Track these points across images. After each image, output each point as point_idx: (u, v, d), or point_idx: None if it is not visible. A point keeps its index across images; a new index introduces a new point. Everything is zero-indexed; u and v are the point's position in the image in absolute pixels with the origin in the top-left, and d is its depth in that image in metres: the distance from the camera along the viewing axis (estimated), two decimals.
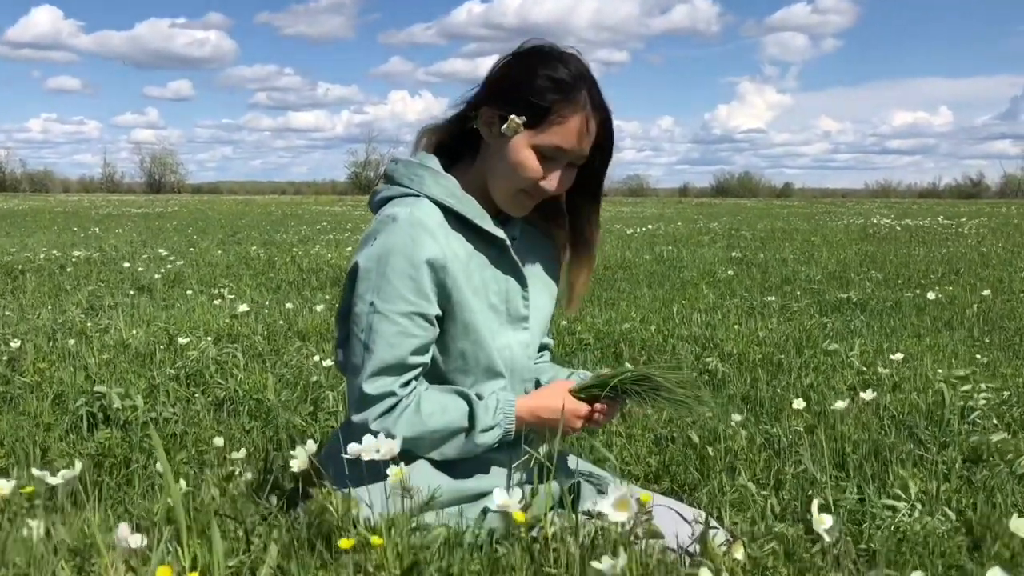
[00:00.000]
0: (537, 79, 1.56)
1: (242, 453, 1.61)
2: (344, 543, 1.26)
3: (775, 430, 2.88)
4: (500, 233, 1.65)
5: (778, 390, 3.56)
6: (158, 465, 2.06)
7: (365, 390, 1.55)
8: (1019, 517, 1.54)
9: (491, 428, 1.59)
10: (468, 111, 1.66)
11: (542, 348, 1.91)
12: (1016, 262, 9.49)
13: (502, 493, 1.33)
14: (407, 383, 1.57)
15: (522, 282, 1.71)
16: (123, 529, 1.13)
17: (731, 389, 3.61)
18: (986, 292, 6.39)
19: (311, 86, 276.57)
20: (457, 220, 1.63)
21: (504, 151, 1.59)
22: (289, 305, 5.60)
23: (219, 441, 2.03)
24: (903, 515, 2.13)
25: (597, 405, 1.66)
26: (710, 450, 2.56)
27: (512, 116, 1.56)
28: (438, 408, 1.58)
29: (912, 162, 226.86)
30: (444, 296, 1.59)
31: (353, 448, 1.45)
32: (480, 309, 1.63)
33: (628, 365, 1.65)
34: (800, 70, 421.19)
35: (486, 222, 1.64)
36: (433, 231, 1.57)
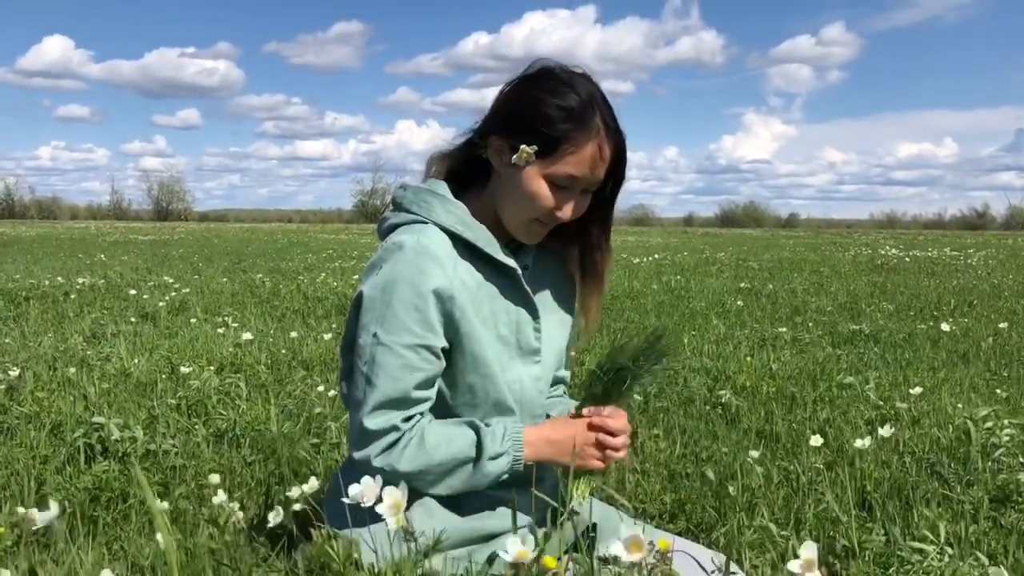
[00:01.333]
0: (547, 108, 1.50)
1: (222, 497, 1.53)
2: None
3: (793, 467, 2.79)
4: (511, 262, 1.58)
5: (794, 424, 3.47)
6: (156, 503, 1.98)
7: (366, 425, 1.47)
8: None
9: (499, 456, 1.51)
10: (476, 138, 1.59)
11: (557, 382, 1.83)
12: None
13: (516, 543, 1.24)
14: (410, 418, 1.50)
15: (533, 313, 1.63)
16: None
17: (745, 423, 3.52)
18: (1002, 325, 6.30)
19: (319, 115, 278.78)
20: (466, 248, 1.56)
21: (516, 181, 1.53)
22: (294, 334, 5.53)
23: (215, 479, 1.94)
24: (932, 559, 2.03)
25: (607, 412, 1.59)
26: (730, 488, 2.46)
27: (523, 146, 1.50)
28: (443, 440, 1.50)
29: (917, 193, 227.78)
30: (452, 327, 1.51)
31: (354, 491, 1.37)
32: (489, 341, 1.56)
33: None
34: (805, 101, 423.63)
35: (496, 250, 1.57)
36: (441, 260, 1.50)
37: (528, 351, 1.63)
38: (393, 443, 1.48)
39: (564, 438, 1.55)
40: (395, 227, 1.58)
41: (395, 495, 1.35)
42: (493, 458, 1.51)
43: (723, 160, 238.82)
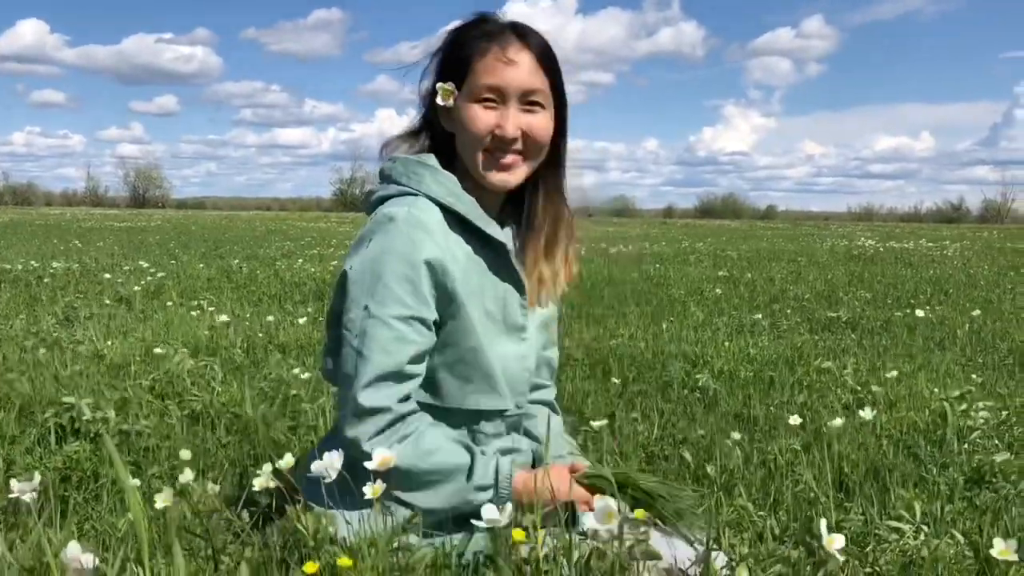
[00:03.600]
0: (447, 44, 1.56)
1: (189, 476, 1.50)
2: (309, 567, 1.16)
3: (771, 448, 2.79)
4: (501, 236, 1.57)
5: (771, 408, 3.47)
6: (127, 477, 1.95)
7: (360, 401, 1.43)
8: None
9: (486, 488, 1.47)
10: (429, 114, 1.62)
11: (544, 363, 1.78)
12: (1003, 284, 9.49)
13: (491, 509, 1.22)
14: (405, 397, 1.47)
15: (520, 288, 1.61)
16: (72, 549, 1.02)
17: (723, 407, 3.52)
18: (976, 312, 6.35)
19: (297, 103, 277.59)
20: (456, 221, 1.54)
21: (457, 122, 1.55)
22: (270, 318, 5.48)
23: (186, 454, 1.91)
24: (909, 538, 2.04)
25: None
26: (708, 469, 2.46)
27: (439, 84, 1.54)
28: (438, 449, 1.46)
29: (894, 186, 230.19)
30: (444, 299, 1.49)
31: (317, 467, 1.34)
32: (477, 315, 1.53)
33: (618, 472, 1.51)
34: (784, 94, 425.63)
35: (486, 223, 1.56)
36: (433, 231, 1.48)
37: (514, 327, 1.61)
38: (387, 425, 1.45)
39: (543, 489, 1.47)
40: (384, 199, 1.56)
41: (384, 454, 1.33)
42: (480, 489, 1.47)
43: (703, 152, 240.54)
